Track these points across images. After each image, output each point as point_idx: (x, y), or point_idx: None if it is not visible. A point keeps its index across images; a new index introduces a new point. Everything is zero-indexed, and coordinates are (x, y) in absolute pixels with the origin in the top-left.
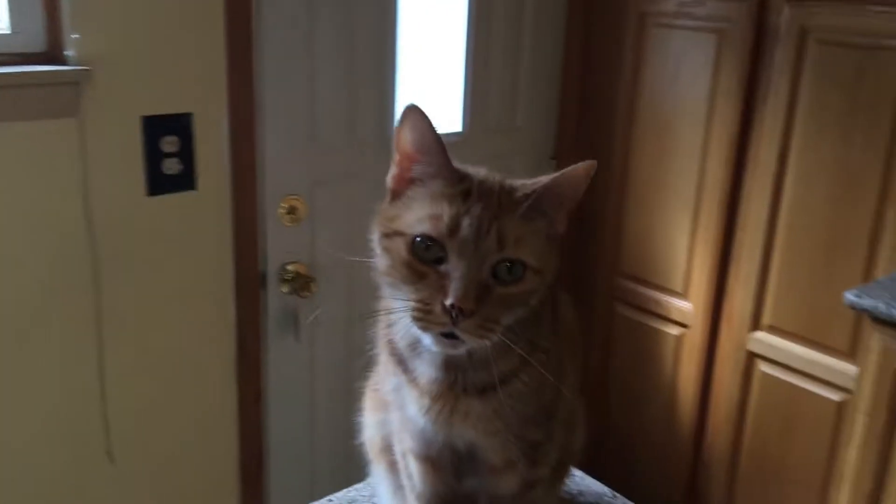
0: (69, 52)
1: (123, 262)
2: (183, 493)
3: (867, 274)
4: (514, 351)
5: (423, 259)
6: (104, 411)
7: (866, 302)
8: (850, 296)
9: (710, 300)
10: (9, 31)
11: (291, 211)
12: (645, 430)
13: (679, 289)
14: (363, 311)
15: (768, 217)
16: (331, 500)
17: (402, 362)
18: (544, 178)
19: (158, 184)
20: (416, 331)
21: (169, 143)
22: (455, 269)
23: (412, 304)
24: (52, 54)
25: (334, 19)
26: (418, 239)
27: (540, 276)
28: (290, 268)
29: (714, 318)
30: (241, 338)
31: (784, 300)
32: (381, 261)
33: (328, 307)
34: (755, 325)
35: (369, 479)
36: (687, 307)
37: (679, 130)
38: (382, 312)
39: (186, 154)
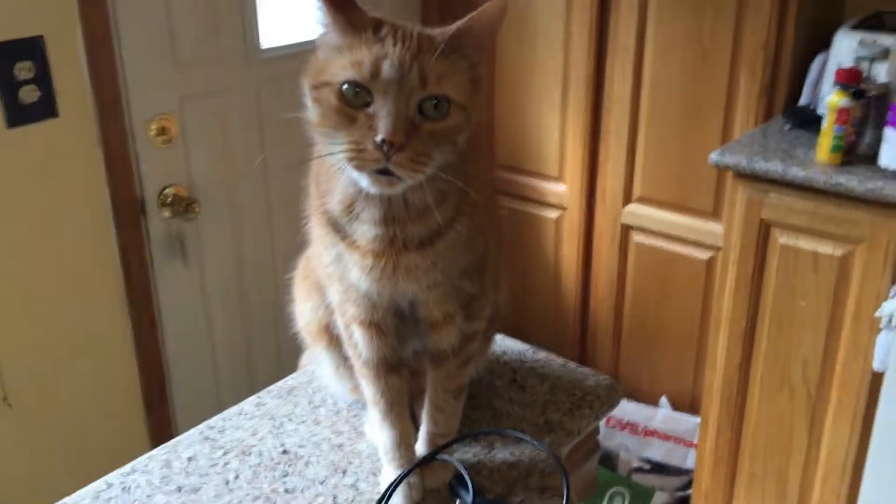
0: None
1: None
2: (88, 428)
3: (725, 138)
4: (448, 200)
5: (351, 104)
6: None
7: (729, 159)
8: (714, 156)
9: (583, 180)
10: None
11: (162, 132)
12: (533, 312)
13: (554, 173)
14: (303, 158)
15: (631, 94)
16: (270, 391)
17: (339, 229)
18: (460, 21)
19: (17, 114)
20: (353, 174)
21: (23, 70)
22: (381, 107)
23: (346, 146)
24: None
25: None
26: (345, 86)
27: (465, 113)
28: (168, 191)
29: (589, 198)
30: (126, 266)
31: (651, 172)
32: (312, 112)
33: (213, 226)
34: (627, 199)
35: (305, 367)
36: (563, 190)
37: (540, 18)
38: (314, 159)
39: (43, 80)
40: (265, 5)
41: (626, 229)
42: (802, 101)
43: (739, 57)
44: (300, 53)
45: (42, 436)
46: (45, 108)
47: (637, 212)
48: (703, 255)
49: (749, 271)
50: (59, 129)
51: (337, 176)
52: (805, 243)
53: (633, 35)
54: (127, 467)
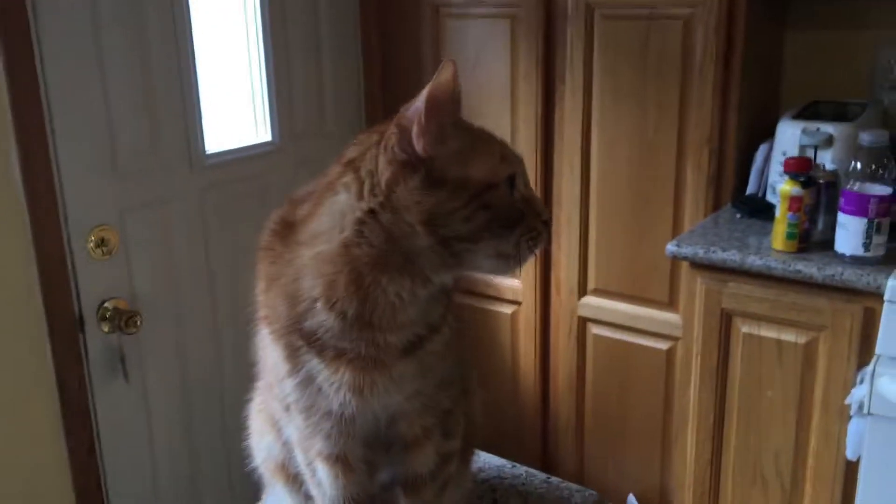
0: None
1: None
2: None
3: (676, 229)
4: (435, 310)
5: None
6: None
7: (686, 250)
8: (671, 247)
9: (537, 275)
10: None
11: (102, 243)
12: (493, 409)
13: None
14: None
15: (580, 189)
16: None
17: (322, 346)
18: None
19: None
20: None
21: None
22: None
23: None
24: None
25: (124, 37)
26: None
27: None
28: (108, 304)
29: (544, 292)
30: (62, 386)
31: (605, 264)
32: (474, 221)
33: (156, 340)
34: (582, 291)
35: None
36: (517, 285)
37: (487, 116)
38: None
39: None
40: (211, 109)
41: (583, 322)
42: (750, 189)
43: (685, 149)
44: (251, 157)
45: None
46: None
47: (593, 304)
48: (662, 345)
49: (713, 363)
50: None
51: (353, 285)
52: (768, 332)
53: (578, 130)
54: None
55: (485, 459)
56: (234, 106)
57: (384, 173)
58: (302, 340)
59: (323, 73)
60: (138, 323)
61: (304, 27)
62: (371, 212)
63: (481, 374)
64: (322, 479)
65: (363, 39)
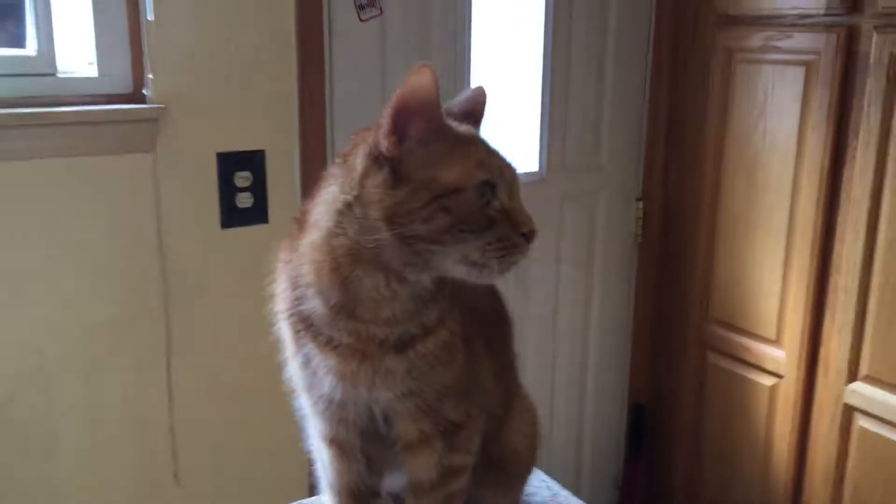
0: (147, 92)
1: (196, 292)
2: None
3: None
4: (434, 306)
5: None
6: (172, 437)
7: None
8: None
9: (804, 348)
10: (96, 75)
11: None
12: (739, 484)
13: (772, 336)
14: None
15: (863, 258)
16: None
17: (315, 330)
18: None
19: (232, 217)
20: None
21: (242, 179)
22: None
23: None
24: (137, 95)
25: (408, 59)
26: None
27: None
28: None
29: (809, 368)
30: None
31: (883, 348)
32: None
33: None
34: (853, 375)
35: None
36: (780, 355)
37: (768, 167)
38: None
39: (259, 189)
40: (482, 127)
41: (850, 411)
42: None
43: None
44: None
45: None
46: (258, 215)
47: (864, 392)
48: None
49: None
50: (268, 234)
51: (334, 274)
52: None
53: (868, 190)
54: None
55: None
56: (507, 132)
57: (359, 167)
58: (301, 324)
59: (604, 106)
60: None
61: (589, 57)
62: (348, 204)
63: (729, 443)
64: (324, 459)
65: (652, 78)
